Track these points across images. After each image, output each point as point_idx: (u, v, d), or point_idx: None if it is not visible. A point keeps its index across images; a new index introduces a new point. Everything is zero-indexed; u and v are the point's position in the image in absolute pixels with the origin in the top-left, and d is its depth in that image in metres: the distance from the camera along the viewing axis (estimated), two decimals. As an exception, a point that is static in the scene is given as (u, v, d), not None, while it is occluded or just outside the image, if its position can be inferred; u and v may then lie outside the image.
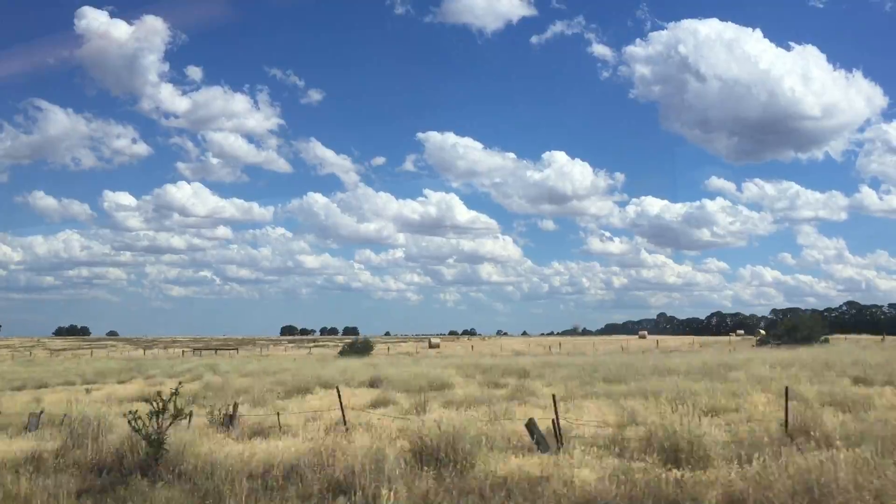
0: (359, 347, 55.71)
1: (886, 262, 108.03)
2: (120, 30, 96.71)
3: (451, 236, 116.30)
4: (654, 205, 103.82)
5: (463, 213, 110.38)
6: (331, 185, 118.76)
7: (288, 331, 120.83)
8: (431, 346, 71.67)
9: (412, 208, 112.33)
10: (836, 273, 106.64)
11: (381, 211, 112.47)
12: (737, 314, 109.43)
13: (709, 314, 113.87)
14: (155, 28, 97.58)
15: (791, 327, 56.06)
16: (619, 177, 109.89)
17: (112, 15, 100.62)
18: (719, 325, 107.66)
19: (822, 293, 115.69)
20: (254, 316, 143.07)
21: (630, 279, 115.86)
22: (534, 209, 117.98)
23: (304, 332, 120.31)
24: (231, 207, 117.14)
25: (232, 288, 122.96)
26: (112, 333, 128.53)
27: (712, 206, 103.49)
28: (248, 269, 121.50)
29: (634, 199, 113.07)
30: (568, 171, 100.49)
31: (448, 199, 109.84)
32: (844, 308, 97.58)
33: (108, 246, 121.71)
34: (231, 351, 67.28)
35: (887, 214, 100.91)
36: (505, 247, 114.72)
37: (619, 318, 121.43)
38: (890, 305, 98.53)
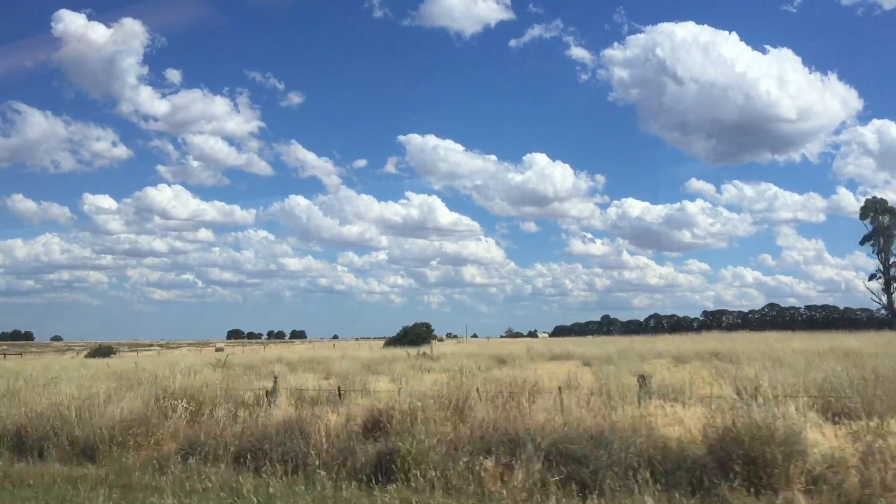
0: (102, 352, 53.93)
1: (865, 263, 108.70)
2: (98, 33, 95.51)
3: (433, 238, 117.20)
4: (634, 206, 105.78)
5: (445, 216, 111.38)
6: (312, 187, 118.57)
7: (234, 335, 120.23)
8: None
9: (394, 210, 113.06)
10: (816, 274, 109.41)
11: (364, 213, 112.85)
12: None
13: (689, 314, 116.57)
14: (133, 31, 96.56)
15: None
16: (600, 179, 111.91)
17: (90, 18, 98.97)
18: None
19: (803, 294, 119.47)
20: (239, 318, 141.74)
21: (612, 280, 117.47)
22: (516, 211, 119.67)
23: (251, 335, 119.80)
24: (212, 210, 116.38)
25: (215, 291, 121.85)
26: (56, 338, 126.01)
27: (692, 207, 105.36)
28: (231, 272, 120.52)
29: (615, 201, 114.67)
30: (549, 173, 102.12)
31: (430, 201, 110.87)
32: (766, 310, 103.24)
33: (89, 249, 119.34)
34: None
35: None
36: (488, 249, 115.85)
37: (593, 317, 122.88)
38: (806, 307, 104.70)
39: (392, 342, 58.49)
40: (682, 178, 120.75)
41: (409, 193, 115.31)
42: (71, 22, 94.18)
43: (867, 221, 70.04)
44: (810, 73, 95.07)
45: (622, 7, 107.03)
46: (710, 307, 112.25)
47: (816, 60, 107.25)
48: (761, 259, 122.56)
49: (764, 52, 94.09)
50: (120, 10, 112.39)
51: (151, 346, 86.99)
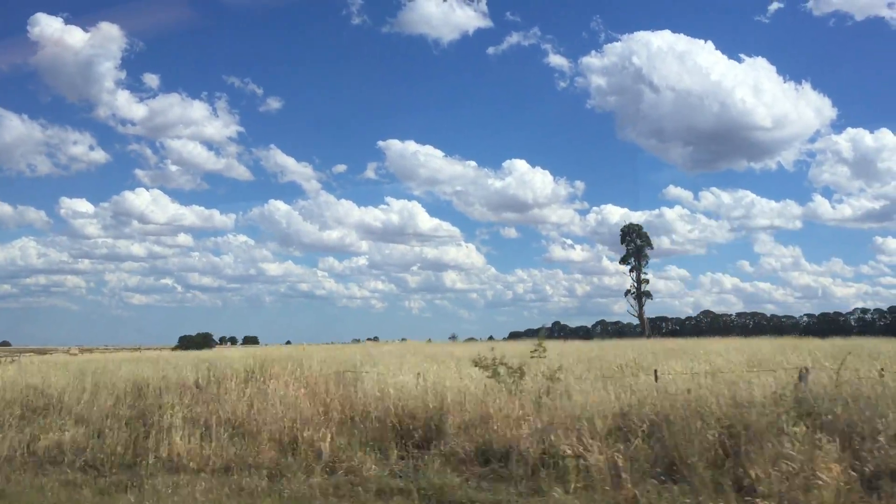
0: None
1: (841, 270, 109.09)
2: (75, 37, 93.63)
3: (414, 244, 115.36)
4: (614, 213, 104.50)
5: (425, 221, 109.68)
6: (292, 192, 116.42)
7: (185, 340, 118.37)
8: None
9: (374, 216, 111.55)
10: (794, 280, 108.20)
11: (343, 218, 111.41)
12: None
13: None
14: (111, 35, 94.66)
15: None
16: (580, 185, 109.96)
17: (67, 21, 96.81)
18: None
19: (781, 300, 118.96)
20: (217, 323, 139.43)
21: (592, 286, 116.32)
22: (496, 217, 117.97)
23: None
24: (191, 215, 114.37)
25: (195, 296, 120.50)
26: (5, 344, 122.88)
27: (671, 214, 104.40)
28: (211, 277, 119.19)
29: (595, 208, 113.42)
30: (528, 179, 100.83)
31: (410, 206, 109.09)
32: (700, 317, 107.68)
33: (66, 253, 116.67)
34: None
35: (840, 223, 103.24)
36: (468, 254, 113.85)
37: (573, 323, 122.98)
38: (738, 314, 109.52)
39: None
40: (661, 185, 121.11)
41: (389, 199, 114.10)
42: (47, 25, 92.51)
43: (625, 245, 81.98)
44: (784, 81, 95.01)
45: (599, 15, 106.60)
46: (690, 313, 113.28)
47: (790, 70, 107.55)
48: (739, 265, 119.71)
49: (739, 60, 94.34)
50: (97, 15, 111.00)
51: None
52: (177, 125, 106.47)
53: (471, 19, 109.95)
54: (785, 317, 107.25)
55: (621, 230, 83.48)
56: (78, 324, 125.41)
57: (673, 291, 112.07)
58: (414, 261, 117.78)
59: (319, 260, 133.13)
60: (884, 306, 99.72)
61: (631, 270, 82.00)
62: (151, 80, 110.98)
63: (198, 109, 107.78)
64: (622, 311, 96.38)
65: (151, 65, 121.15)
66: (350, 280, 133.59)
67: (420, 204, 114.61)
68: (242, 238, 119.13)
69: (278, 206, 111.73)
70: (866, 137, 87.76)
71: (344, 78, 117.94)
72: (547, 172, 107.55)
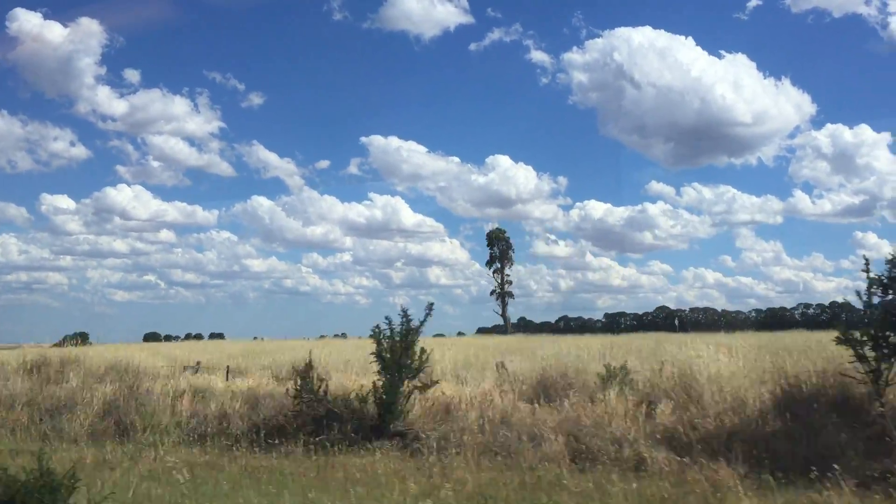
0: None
1: (822, 265, 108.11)
2: (54, 32, 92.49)
3: (398, 240, 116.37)
4: (597, 208, 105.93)
5: (409, 217, 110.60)
6: (275, 188, 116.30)
7: (151, 337, 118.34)
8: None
9: (358, 212, 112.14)
10: (775, 275, 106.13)
11: (327, 214, 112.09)
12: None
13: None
14: (91, 30, 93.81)
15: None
16: (563, 181, 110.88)
17: (46, 17, 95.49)
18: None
19: (763, 294, 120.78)
20: (201, 320, 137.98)
21: (577, 282, 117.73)
22: (479, 213, 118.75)
23: (167, 338, 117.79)
24: (174, 211, 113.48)
25: (178, 292, 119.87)
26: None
27: (653, 209, 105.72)
28: (194, 273, 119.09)
29: (578, 203, 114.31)
30: (512, 174, 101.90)
31: (394, 202, 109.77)
32: (655, 312, 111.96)
33: (48, 250, 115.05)
34: None
35: (820, 218, 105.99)
36: (452, 250, 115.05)
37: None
38: (691, 310, 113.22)
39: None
40: (643, 181, 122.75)
41: (372, 194, 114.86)
42: (27, 21, 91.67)
43: (491, 249, 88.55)
44: (764, 77, 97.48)
45: (580, 11, 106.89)
46: (673, 308, 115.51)
47: (770, 66, 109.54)
48: (721, 260, 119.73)
49: (719, 56, 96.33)
50: (77, 10, 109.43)
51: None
52: (158, 121, 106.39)
53: (452, 15, 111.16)
54: (735, 312, 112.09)
55: (487, 235, 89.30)
56: (60, 321, 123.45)
57: (656, 286, 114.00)
58: (398, 256, 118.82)
59: (303, 256, 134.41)
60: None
61: (495, 273, 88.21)
62: (132, 75, 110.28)
63: (179, 105, 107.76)
64: (606, 305, 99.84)
65: (132, 60, 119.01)
66: (334, 276, 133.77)
67: (403, 200, 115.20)
68: (225, 234, 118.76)
69: (261, 202, 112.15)
70: (846, 133, 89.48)
71: (326, 73, 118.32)
72: (530, 168, 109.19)
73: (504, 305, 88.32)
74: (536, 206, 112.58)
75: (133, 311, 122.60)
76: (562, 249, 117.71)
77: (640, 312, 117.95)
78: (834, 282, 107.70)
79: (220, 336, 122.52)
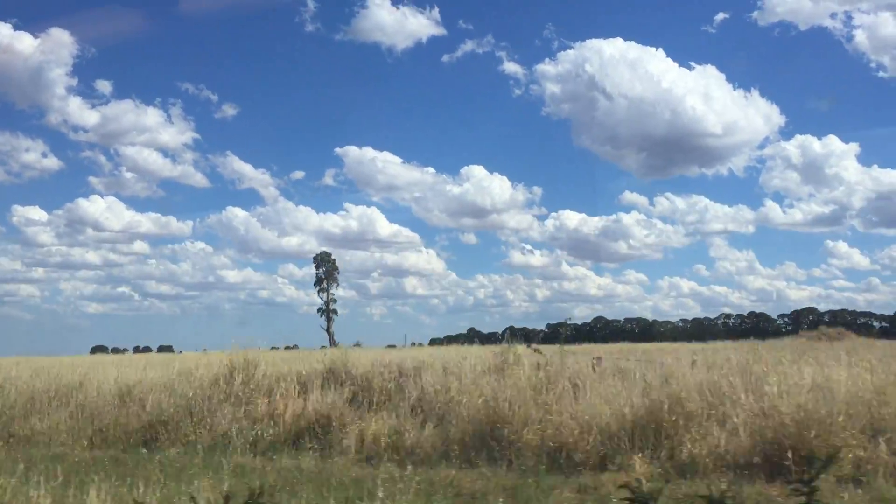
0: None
1: (795, 273, 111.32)
2: (24, 43, 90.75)
3: (374, 250, 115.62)
4: (572, 218, 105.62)
5: (385, 227, 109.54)
6: (250, 199, 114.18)
7: (99, 350, 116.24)
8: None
9: (333, 222, 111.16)
10: (749, 284, 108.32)
11: (302, 225, 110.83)
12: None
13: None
14: (62, 41, 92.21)
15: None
16: (538, 191, 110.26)
17: (16, 27, 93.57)
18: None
19: (737, 303, 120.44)
20: (175, 331, 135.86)
21: (553, 291, 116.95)
22: (454, 223, 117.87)
23: (115, 350, 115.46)
24: (147, 222, 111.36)
25: (152, 304, 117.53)
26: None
27: (628, 219, 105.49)
28: (169, 285, 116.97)
29: (553, 213, 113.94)
30: (487, 185, 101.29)
31: (369, 213, 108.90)
32: (593, 323, 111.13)
33: (19, 262, 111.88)
34: None
35: (791, 227, 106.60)
36: (429, 260, 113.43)
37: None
38: (626, 319, 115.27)
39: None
40: (617, 191, 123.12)
41: (347, 205, 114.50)
42: None
43: (318, 270, 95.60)
44: (734, 89, 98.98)
45: (551, 23, 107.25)
46: (649, 317, 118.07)
47: (739, 77, 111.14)
48: (696, 269, 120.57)
49: (690, 68, 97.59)
50: (48, 21, 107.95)
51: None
52: (130, 132, 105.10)
53: (424, 27, 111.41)
54: (664, 321, 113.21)
55: (314, 258, 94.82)
56: (32, 333, 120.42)
57: (632, 296, 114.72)
58: (374, 267, 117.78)
59: (279, 267, 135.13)
60: (836, 307, 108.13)
61: (320, 292, 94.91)
62: (104, 86, 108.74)
63: (152, 116, 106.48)
64: (583, 315, 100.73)
65: (103, 71, 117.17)
66: (310, 287, 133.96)
67: (379, 210, 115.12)
68: (200, 245, 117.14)
69: (236, 213, 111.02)
70: (814, 144, 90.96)
71: (299, 85, 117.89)
72: (505, 178, 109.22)
73: (329, 322, 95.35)
74: (512, 216, 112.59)
75: (107, 323, 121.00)
76: (537, 259, 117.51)
77: (590, 321, 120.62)
78: (807, 290, 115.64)
79: (169, 349, 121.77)
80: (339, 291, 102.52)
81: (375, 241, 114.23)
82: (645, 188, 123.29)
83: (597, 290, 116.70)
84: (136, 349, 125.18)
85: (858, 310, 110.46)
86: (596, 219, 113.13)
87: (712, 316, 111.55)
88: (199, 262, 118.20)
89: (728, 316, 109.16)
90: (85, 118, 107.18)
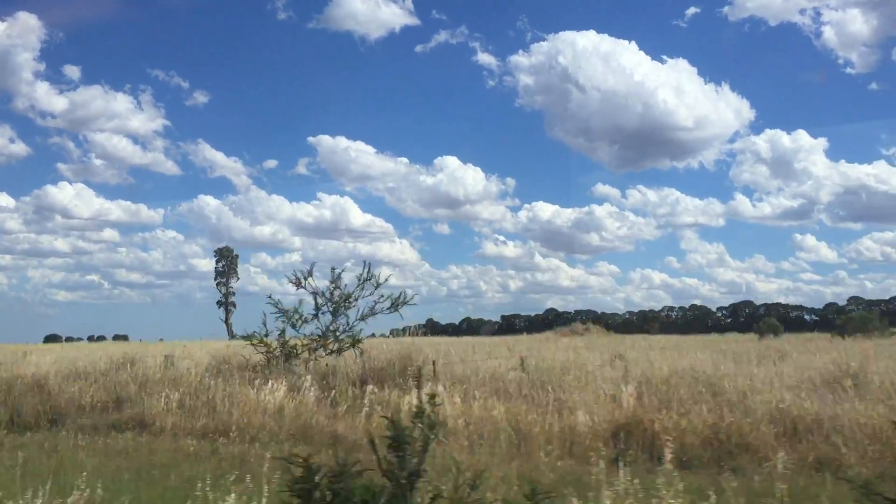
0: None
1: (764, 266, 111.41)
2: None
3: (347, 240, 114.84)
4: (545, 210, 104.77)
5: (358, 217, 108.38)
6: (222, 187, 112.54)
7: (52, 339, 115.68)
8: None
9: (306, 212, 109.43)
10: (719, 276, 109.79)
11: (275, 214, 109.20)
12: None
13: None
14: (29, 25, 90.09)
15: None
16: (511, 182, 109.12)
17: None
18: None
19: (707, 295, 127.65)
20: (141, 321, 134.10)
21: (526, 282, 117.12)
22: (428, 213, 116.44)
23: (69, 339, 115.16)
24: (117, 209, 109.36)
25: (122, 292, 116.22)
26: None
27: (600, 211, 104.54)
28: (139, 273, 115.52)
29: (526, 205, 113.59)
30: (460, 175, 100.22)
31: (342, 202, 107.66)
32: (547, 313, 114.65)
33: None
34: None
35: (761, 221, 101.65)
36: (402, 251, 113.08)
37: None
38: (576, 311, 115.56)
39: None
40: (589, 183, 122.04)
41: (321, 194, 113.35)
42: None
43: (219, 264, 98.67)
44: (705, 83, 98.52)
45: (525, 15, 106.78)
46: (622, 308, 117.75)
47: (710, 71, 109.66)
48: (667, 262, 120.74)
49: (662, 61, 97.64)
50: (14, 4, 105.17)
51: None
52: (99, 118, 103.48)
53: (397, 17, 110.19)
54: (613, 314, 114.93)
55: (215, 251, 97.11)
56: None
57: (605, 287, 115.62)
58: (348, 257, 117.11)
59: (252, 256, 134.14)
60: (805, 302, 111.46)
61: (219, 285, 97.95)
62: (72, 71, 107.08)
63: (121, 102, 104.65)
64: (556, 306, 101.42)
65: (72, 56, 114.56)
66: (283, 276, 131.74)
67: (352, 200, 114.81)
68: (171, 234, 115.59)
69: (208, 202, 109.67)
70: (784, 138, 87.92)
71: (272, 73, 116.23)
72: (478, 169, 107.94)
73: (228, 314, 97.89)
74: (485, 207, 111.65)
75: (76, 311, 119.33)
76: (511, 250, 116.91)
77: (533, 314, 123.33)
78: (776, 283, 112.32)
79: (125, 338, 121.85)
80: (237, 284, 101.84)
81: (349, 230, 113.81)
82: (617, 181, 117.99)
83: (570, 282, 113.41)
84: (91, 338, 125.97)
85: (792, 303, 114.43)
86: (569, 210, 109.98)
87: (657, 308, 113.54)
88: (171, 250, 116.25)
89: (671, 308, 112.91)
90: (53, 104, 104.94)
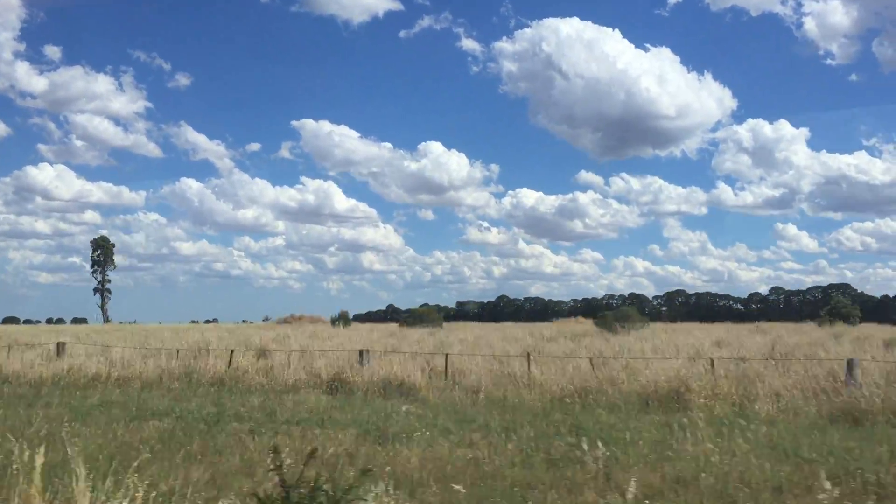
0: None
1: (745, 255, 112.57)
2: None
3: (330, 224, 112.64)
4: (529, 196, 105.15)
5: (342, 202, 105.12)
6: (205, 170, 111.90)
7: (11, 321, 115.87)
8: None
9: (290, 196, 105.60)
10: (701, 264, 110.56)
11: (258, 198, 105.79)
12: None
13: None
14: (9, 4, 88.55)
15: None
16: (495, 168, 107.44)
17: None
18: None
19: (690, 283, 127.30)
20: (130, 303, 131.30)
21: (510, 269, 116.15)
22: (412, 199, 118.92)
23: (27, 322, 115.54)
24: (99, 191, 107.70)
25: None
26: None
27: (584, 198, 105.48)
28: (121, 256, 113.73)
29: (510, 191, 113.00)
30: (444, 161, 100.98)
31: (326, 187, 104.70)
32: (497, 301, 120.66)
33: None
34: None
35: (743, 210, 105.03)
36: (386, 236, 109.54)
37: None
38: (526, 298, 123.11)
39: None
40: (573, 170, 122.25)
41: (304, 178, 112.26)
42: None
43: (94, 254, 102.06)
44: (688, 72, 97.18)
45: (508, 1, 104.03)
46: (600, 294, 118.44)
47: (693, 60, 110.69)
48: (650, 249, 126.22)
49: (645, 50, 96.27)
50: None
51: None
52: (80, 99, 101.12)
53: (381, 1, 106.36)
54: (555, 301, 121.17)
55: (91, 242, 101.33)
56: None
57: (588, 274, 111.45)
58: (331, 241, 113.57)
59: (235, 239, 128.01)
60: (789, 289, 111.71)
61: (94, 274, 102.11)
62: (53, 52, 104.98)
63: (102, 83, 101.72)
64: (539, 292, 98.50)
65: (53, 37, 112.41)
66: (267, 260, 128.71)
67: (336, 184, 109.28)
68: (154, 216, 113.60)
69: (190, 185, 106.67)
70: (766, 128, 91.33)
71: (254, 56, 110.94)
72: (462, 155, 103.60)
73: (104, 301, 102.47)
74: (469, 194, 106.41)
75: (57, 293, 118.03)
76: (494, 236, 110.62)
77: (494, 298, 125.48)
78: (757, 271, 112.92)
79: (84, 321, 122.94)
80: (114, 274, 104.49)
81: (332, 215, 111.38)
82: (601, 168, 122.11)
83: (553, 269, 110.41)
84: (49, 321, 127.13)
85: (720, 293, 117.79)
86: (552, 197, 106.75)
87: (599, 296, 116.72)
88: (153, 233, 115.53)
89: (612, 296, 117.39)
90: (33, 84, 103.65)
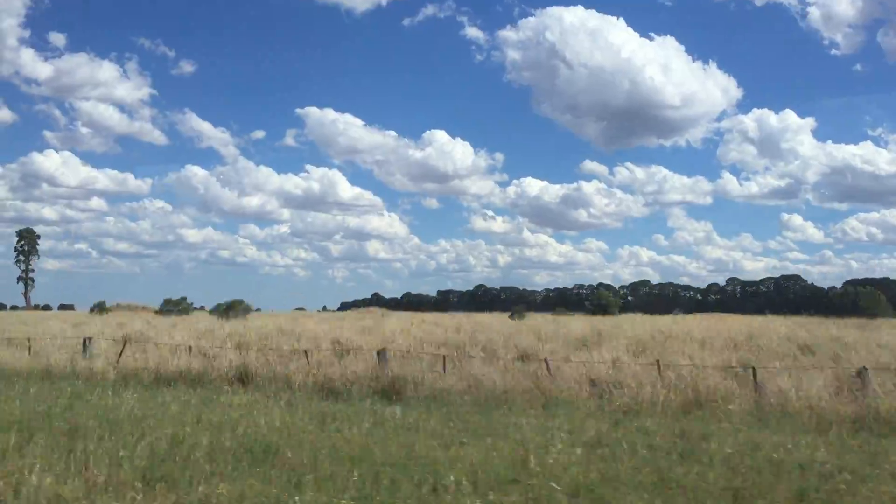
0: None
1: (751, 245, 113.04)
2: None
3: (335, 213, 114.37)
4: (533, 185, 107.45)
5: (346, 190, 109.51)
6: (210, 157, 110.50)
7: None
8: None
9: (295, 183, 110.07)
10: (706, 254, 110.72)
11: (263, 185, 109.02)
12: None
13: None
14: None
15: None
16: (499, 157, 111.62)
17: None
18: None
19: (695, 273, 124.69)
20: (133, 289, 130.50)
21: (514, 258, 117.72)
22: (416, 187, 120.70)
23: (14, 308, 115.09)
24: (104, 178, 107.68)
25: (110, 261, 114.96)
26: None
27: (588, 188, 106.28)
28: (127, 243, 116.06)
29: (515, 180, 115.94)
30: (449, 150, 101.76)
31: (331, 175, 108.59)
32: (476, 290, 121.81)
33: None
34: None
35: (748, 200, 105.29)
36: (391, 224, 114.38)
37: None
38: (502, 288, 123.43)
39: None
40: (578, 160, 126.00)
41: (309, 167, 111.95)
42: None
43: (20, 243, 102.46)
44: (693, 61, 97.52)
45: None
46: (610, 284, 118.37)
47: (698, 49, 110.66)
48: (655, 239, 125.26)
49: (650, 38, 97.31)
50: None
51: None
52: (84, 86, 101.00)
53: None
54: (529, 291, 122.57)
55: (17, 233, 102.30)
56: None
57: (592, 263, 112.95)
58: (336, 229, 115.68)
59: (240, 227, 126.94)
60: (791, 280, 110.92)
61: (18, 263, 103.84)
62: (57, 39, 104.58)
63: (107, 70, 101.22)
64: (543, 281, 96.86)
65: (57, 23, 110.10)
66: (272, 248, 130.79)
67: (341, 172, 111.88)
68: (159, 203, 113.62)
69: (196, 172, 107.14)
70: (771, 118, 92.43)
71: (258, 44, 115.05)
72: (467, 144, 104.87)
73: (27, 289, 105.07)
74: (473, 182, 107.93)
75: (64, 280, 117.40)
76: (499, 225, 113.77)
77: (472, 288, 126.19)
78: (763, 261, 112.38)
79: (71, 307, 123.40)
80: (41, 263, 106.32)
81: (337, 203, 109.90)
82: (605, 158, 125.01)
83: (558, 258, 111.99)
84: (36, 307, 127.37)
85: (681, 283, 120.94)
86: (557, 186, 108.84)
87: (572, 286, 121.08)
88: (159, 220, 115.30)
89: (581, 287, 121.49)
90: (38, 71, 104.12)
